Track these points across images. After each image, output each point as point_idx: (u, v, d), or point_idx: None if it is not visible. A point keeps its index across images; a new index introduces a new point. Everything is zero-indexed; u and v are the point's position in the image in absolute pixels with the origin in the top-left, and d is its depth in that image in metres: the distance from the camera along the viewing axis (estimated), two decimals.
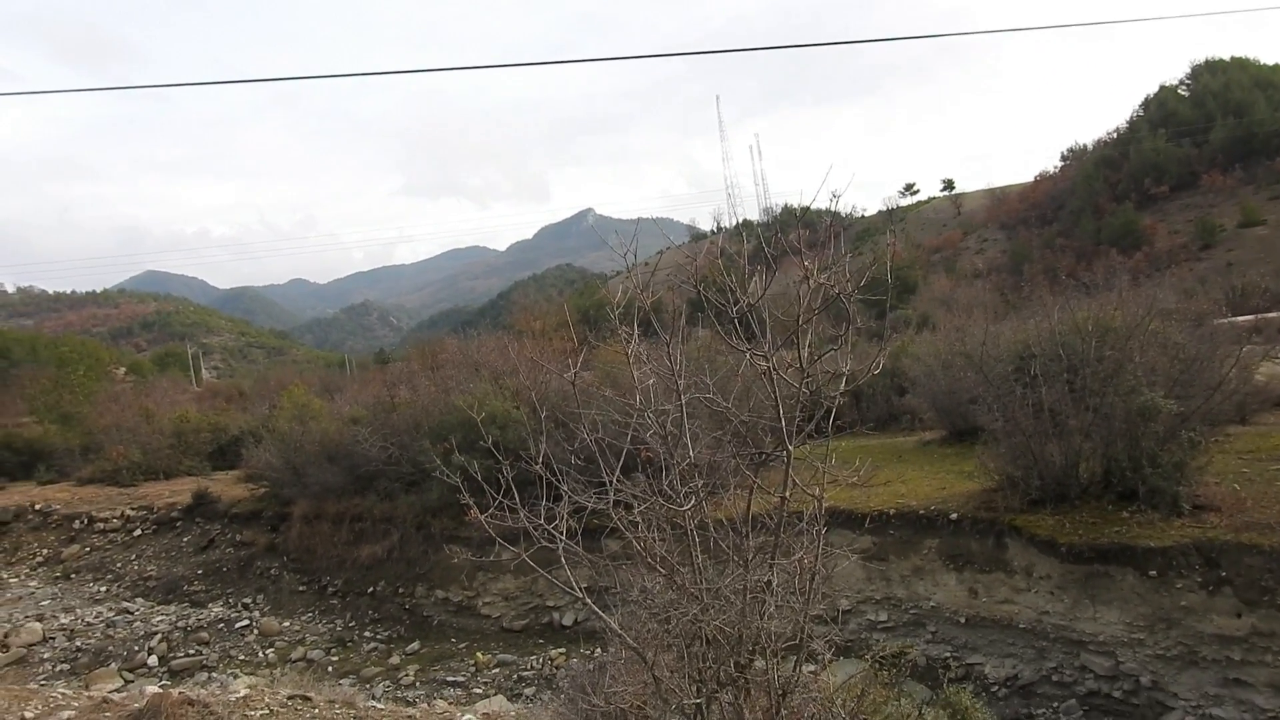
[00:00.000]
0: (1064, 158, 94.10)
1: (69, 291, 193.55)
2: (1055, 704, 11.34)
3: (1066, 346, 12.92)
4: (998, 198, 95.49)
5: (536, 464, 4.81)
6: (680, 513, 4.43)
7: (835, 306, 4.21)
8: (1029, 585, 11.99)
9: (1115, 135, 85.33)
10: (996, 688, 11.89)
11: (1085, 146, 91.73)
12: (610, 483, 4.68)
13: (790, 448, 4.29)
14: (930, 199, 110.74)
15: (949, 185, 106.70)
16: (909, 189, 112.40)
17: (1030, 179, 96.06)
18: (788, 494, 4.38)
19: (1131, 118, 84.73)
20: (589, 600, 4.79)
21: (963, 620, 12.59)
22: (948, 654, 12.58)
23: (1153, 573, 10.65)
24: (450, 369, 22.36)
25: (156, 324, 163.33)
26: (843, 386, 4.51)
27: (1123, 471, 11.82)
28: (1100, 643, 11.04)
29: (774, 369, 4.39)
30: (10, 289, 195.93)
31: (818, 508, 4.41)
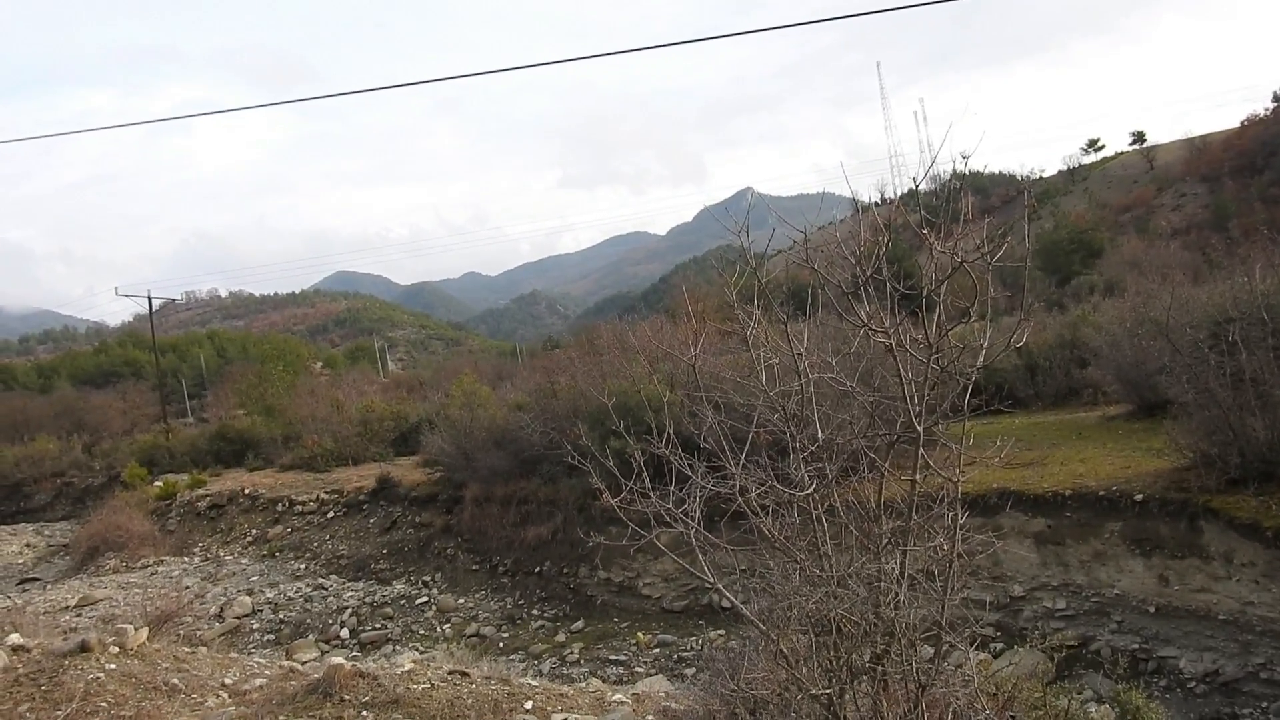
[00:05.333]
0: (1277, 98, 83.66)
1: (272, 294, 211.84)
2: (1264, 704, 10.24)
3: (1272, 309, 11.58)
4: (1197, 148, 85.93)
5: (664, 449, 4.80)
6: (804, 497, 4.28)
7: (1010, 277, 3.92)
8: (1229, 573, 10.88)
9: None
10: (1194, 683, 10.88)
11: None
12: (736, 467, 4.60)
13: (919, 429, 4.05)
14: (1118, 154, 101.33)
15: (1139, 137, 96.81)
16: (1092, 145, 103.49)
17: (1235, 125, 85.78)
18: (918, 478, 4.15)
19: None
20: (719, 585, 4.73)
21: (1152, 610, 11.59)
22: (1135, 645, 11.63)
23: None
24: (606, 355, 22.76)
25: (348, 320, 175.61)
26: (980, 362, 4.22)
27: None
28: None
29: (903, 344, 4.16)
30: (223, 293, 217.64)
31: (952, 491, 4.15)
